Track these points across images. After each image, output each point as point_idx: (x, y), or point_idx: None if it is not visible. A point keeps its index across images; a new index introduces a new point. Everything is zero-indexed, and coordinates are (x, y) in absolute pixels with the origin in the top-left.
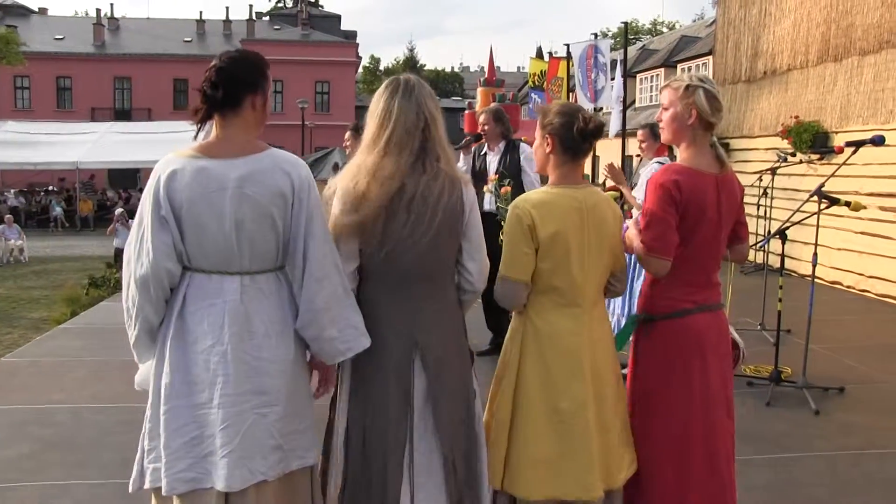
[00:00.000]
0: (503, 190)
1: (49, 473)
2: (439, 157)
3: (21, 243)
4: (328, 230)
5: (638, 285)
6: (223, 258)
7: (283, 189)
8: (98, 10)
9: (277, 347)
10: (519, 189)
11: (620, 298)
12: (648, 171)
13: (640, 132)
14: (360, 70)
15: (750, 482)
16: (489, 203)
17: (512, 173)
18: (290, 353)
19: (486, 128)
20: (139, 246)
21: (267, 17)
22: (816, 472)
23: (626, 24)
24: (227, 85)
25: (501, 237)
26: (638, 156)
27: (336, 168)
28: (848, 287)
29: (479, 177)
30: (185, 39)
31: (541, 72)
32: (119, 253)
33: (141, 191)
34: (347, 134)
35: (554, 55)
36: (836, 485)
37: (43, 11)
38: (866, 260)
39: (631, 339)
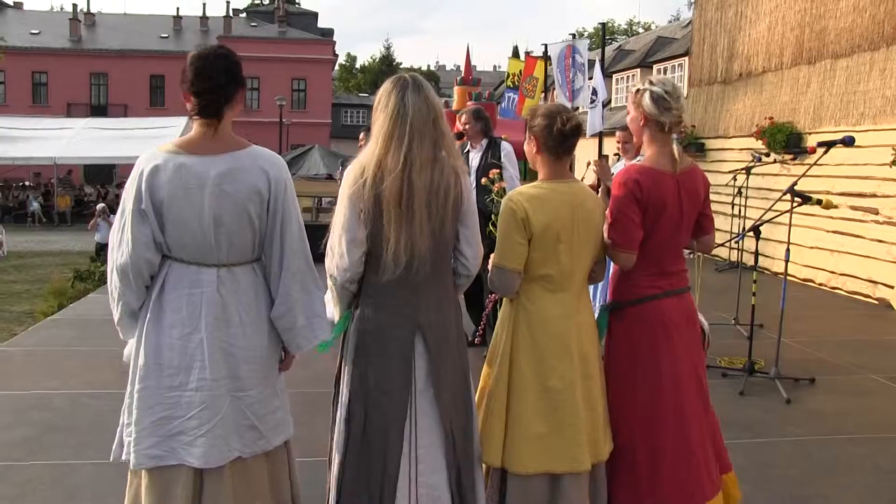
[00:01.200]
0: (496, 186)
1: (54, 454)
2: (448, 150)
3: (0, 238)
4: (302, 226)
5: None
6: (201, 251)
7: (260, 187)
8: (74, 6)
9: (252, 336)
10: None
11: (599, 291)
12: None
13: (619, 133)
14: (337, 67)
15: None
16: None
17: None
18: (264, 340)
19: (467, 127)
20: (121, 236)
21: (244, 14)
22: (789, 456)
23: (603, 24)
24: (228, 84)
25: (490, 229)
26: (616, 154)
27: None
28: (820, 284)
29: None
30: (162, 35)
31: (518, 71)
32: (100, 248)
33: (118, 186)
34: (362, 134)
35: (530, 55)
36: (807, 467)
37: (18, 6)
38: (837, 258)
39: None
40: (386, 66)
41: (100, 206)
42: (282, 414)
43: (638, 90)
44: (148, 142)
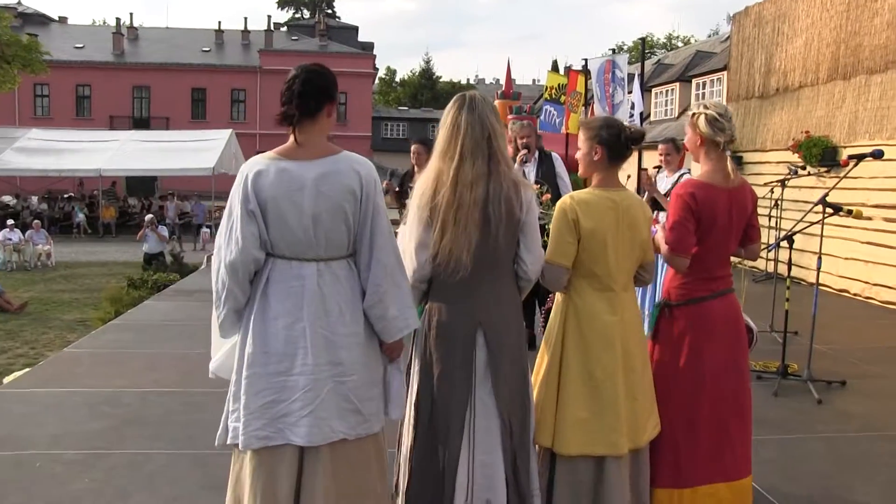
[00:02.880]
0: (543, 198)
1: (130, 444)
2: (502, 163)
3: (48, 248)
4: (389, 223)
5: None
6: (302, 247)
7: (354, 187)
8: (118, 19)
9: (350, 324)
10: (556, 194)
11: (648, 294)
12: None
13: (662, 146)
14: (377, 81)
15: (759, 458)
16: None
17: (548, 181)
18: (361, 328)
19: (528, 140)
20: (229, 235)
21: (285, 28)
22: (818, 451)
23: (643, 39)
24: (311, 95)
25: (544, 239)
26: (656, 167)
27: (402, 174)
28: (854, 295)
29: None
30: (204, 49)
31: (558, 85)
32: (149, 258)
33: (161, 198)
34: (415, 146)
35: (569, 68)
36: (835, 461)
37: (63, 20)
38: (871, 269)
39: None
40: (426, 79)
41: (148, 217)
42: (381, 401)
43: (694, 114)
44: (191, 154)
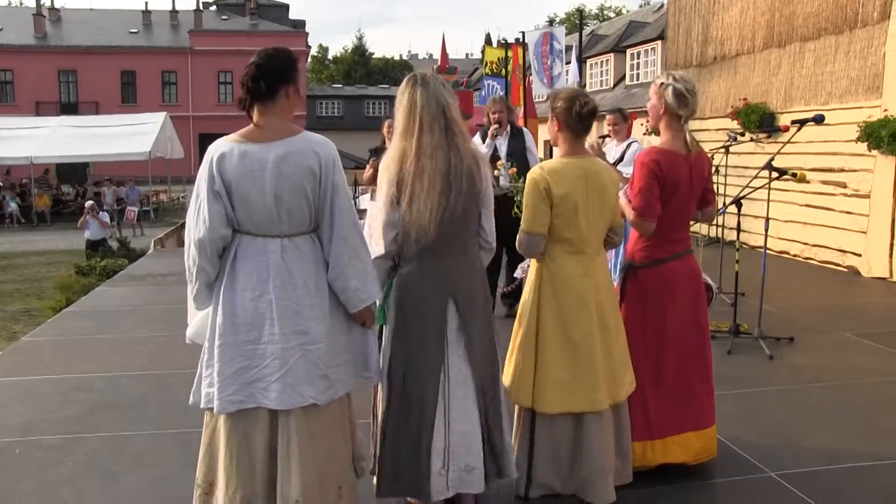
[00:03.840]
0: (511, 171)
1: (107, 427)
2: (459, 136)
3: None
4: (350, 199)
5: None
6: (267, 224)
7: (313, 167)
8: (38, 1)
9: (315, 296)
10: (525, 168)
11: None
12: (633, 149)
13: (610, 116)
14: (309, 59)
15: (720, 412)
16: (504, 180)
17: (518, 155)
18: (326, 300)
19: (500, 115)
20: (197, 216)
21: (214, 7)
22: (773, 403)
23: (580, 10)
24: (265, 79)
25: (515, 212)
26: (602, 136)
27: (377, 151)
28: (794, 256)
29: (491, 159)
30: (132, 31)
31: (498, 59)
32: (92, 244)
33: (97, 184)
34: (389, 121)
35: (501, 42)
36: (789, 411)
37: None
38: (810, 230)
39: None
40: (359, 56)
41: (88, 203)
42: (348, 368)
43: (662, 83)
44: (125, 139)
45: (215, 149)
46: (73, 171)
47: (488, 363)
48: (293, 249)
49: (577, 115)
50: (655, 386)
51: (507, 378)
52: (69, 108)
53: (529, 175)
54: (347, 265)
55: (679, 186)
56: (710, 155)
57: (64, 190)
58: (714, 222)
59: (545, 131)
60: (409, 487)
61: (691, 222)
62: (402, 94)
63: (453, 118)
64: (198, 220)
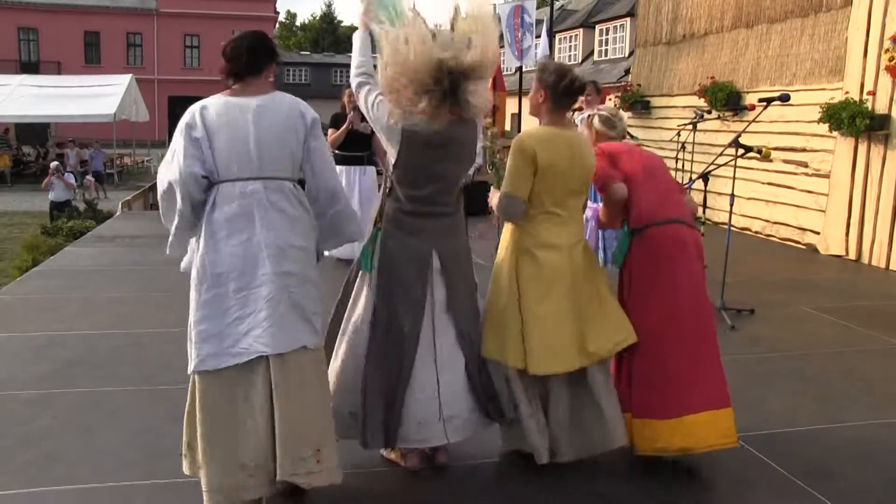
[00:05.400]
0: (486, 122)
1: (83, 383)
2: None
3: None
4: (332, 159)
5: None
6: (248, 167)
7: (297, 125)
8: None
9: (298, 238)
10: None
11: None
12: None
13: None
14: (277, 26)
15: None
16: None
17: None
18: (306, 243)
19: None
20: (172, 160)
21: None
22: (733, 371)
23: None
24: (256, 58)
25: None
26: (576, 108)
27: (337, 118)
28: (756, 232)
29: None
30: None
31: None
32: (56, 206)
33: (59, 145)
34: (346, 91)
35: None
36: (748, 378)
37: None
38: (772, 208)
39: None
40: (327, 23)
41: (53, 164)
42: (322, 320)
43: (589, 116)
44: (89, 101)
45: (197, 105)
46: (33, 132)
47: (469, 314)
48: (276, 190)
49: (566, 89)
50: (671, 343)
51: (490, 341)
52: (29, 68)
53: (517, 140)
54: (339, 213)
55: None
56: (677, 132)
57: (25, 151)
58: None
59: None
60: (388, 437)
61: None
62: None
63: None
64: (172, 163)
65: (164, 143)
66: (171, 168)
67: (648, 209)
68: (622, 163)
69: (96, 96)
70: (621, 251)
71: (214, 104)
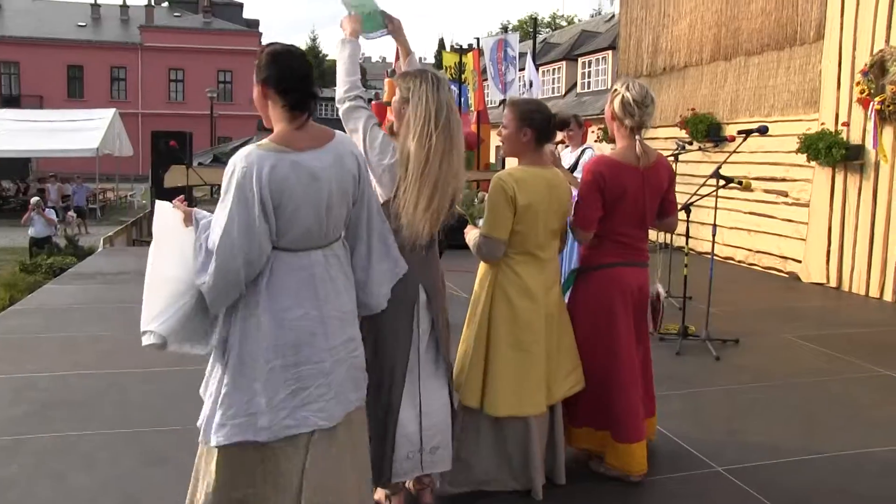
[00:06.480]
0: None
1: (57, 426)
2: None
3: None
4: (378, 199)
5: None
6: (312, 238)
7: (354, 171)
8: None
9: (351, 300)
10: None
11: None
12: (587, 156)
13: None
14: None
15: (667, 410)
16: None
17: None
18: (355, 302)
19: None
20: (247, 235)
21: (166, 4)
22: (719, 401)
23: (535, 19)
24: (311, 83)
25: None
26: (559, 142)
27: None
28: (739, 262)
29: None
30: (79, 24)
31: (454, 63)
32: (36, 242)
33: (41, 180)
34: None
35: (456, 48)
36: (733, 408)
37: None
38: (754, 237)
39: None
40: (312, 57)
41: (34, 199)
42: None
43: (616, 90)
44: (72, 135)
45: (259, 160)
46: (13, 167)
47: (447, 342)
48: (333, 257)
49: (554, 128)
50: (607, 383)
51: (455, 374)
52: (11, 102)
53: (495, 180)
54: (376, 268)
55: (625, 196)
56: None
57: (4, 186)
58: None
59: (497, 137)
60: (382, 473)
61: (650, 233)
62: (414, 93)
63: (457, 120)
64: (244, 238)
65: (147, 178)
66: (247, 246)
67: (601, 252)
68: (607, 198)
69: (79, 130)
70: (567, 284)
71: (281, 165)
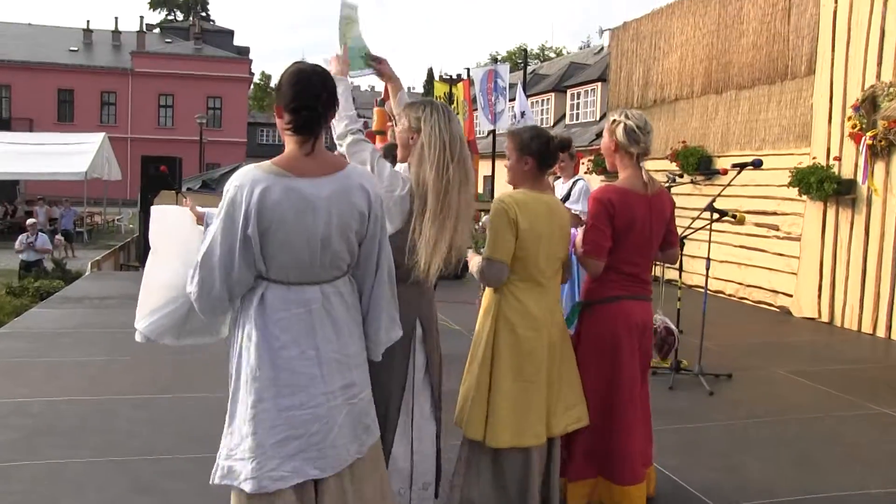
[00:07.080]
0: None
1: (44, 454)
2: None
3: None
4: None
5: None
6: (306, 272)
7: (362, 207)
8: None
9: (357, 342)
10: None
11: (568, 288)
12: (579, 187)
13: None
14: (252, 86)
15: (663, 445)
16: None
17: None
18: (363, 344)
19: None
20: (230, 255)
21: (158, 30)
22: (713, 436)
23: (525, 50)
24: (327, 101)
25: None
26: (551, 174)
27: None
28: (729, 295)
29: None
30: (71, 49)
31: (444, 93)
32: (26, 265)
33: (29, 203)
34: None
35: (445, 77)
36: (728, 444)
37: None
38: (745, 271)
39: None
40: None
41: (30, 221)
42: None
43: (614, 120)
44: (61, 158)
45: (253, 182)
46: (1, 189)
47: (439, 378)
48: (335, 295)
49: (554, 150)
50: (608, 424)
51: (458, 407)
52: (1, 124)
53: (496, 203)
54: (385, 310)
55: (634, 226)
56: None
57: None
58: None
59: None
60: None
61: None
62: (426, 122)
63: (468, 152)
64: (228, 257)
65: (135, 202)
66: (220, 274)
67: (606, 284)
68: (617, 226)
69: (68, 154)
70: (571, 317)
71: (274, 189)
